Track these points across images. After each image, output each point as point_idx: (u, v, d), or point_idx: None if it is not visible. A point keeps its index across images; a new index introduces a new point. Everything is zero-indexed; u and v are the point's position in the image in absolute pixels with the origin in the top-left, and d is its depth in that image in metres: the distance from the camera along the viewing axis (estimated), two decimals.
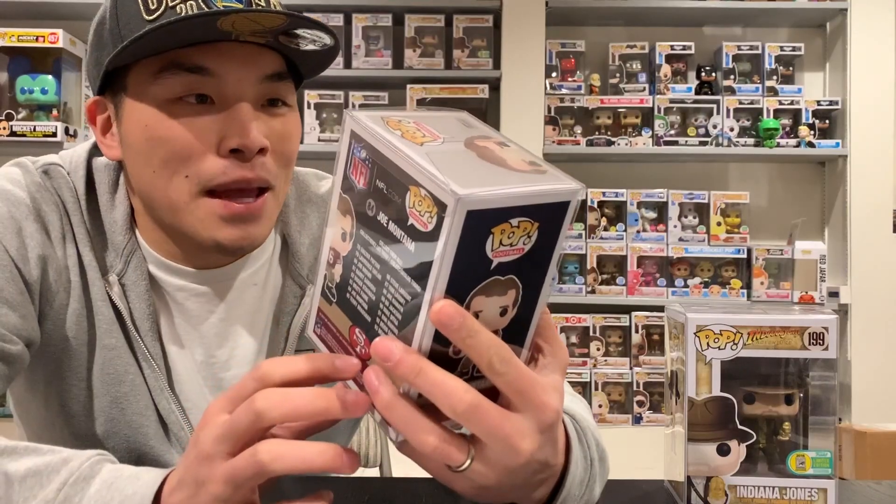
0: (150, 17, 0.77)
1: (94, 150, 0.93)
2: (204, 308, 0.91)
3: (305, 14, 0.80)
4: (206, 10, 0.75)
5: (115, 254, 0.88)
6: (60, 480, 0.60)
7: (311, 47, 0.83)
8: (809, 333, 0.78)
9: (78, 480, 0.60)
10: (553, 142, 3.30)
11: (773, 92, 3.35)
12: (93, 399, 0.89)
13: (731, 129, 3.32)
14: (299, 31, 0.79)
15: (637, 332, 3.29)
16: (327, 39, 0.82)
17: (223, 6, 0.76)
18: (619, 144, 3.30)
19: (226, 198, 0.80)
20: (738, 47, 3.36)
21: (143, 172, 0.82)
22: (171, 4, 0.77)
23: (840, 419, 3.16)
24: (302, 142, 3.44)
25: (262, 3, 0.80)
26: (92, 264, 0.87)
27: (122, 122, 0.83)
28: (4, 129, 3.17)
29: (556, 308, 3.31)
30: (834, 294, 3.30)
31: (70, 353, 0.88)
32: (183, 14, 0.76)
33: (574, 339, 3.34)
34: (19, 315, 0.82)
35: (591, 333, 3.31)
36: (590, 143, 3.30)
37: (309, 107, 3.29)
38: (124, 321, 0.87)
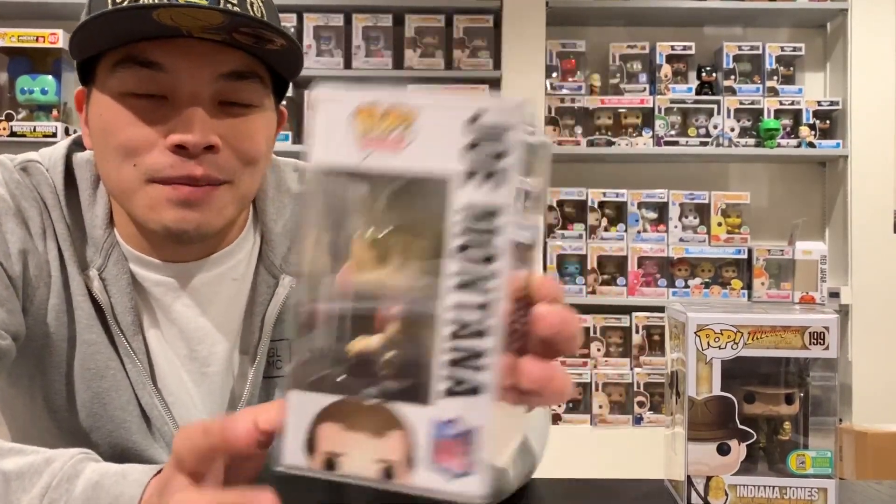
0: (114, 6, 0.76)
1: (74, 147, 0.94)
2: (181, 302, 0.91)
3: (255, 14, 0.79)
4: (152, 4, 0.74)
5: (94, 248, 0.88)
6: (43, 484, 0.60)
7: (271, 47, 0.81)
8: (810, 333, 0.78)
9: (62, 482, 0.60)
10: (553, 142, 3.30)
11: (773, 92, 3.34)
12: (74, 394, 0.89)
13: (732, 130, 3.31)
14: (258, 30, 0.78)
15: (637, 332, 3.29)
16: (281, 41, 0.80)
17: (185, 1, 0.75)
18: (619, 145, 3.30)
19: (173, 184, 0.80)
20: (739, 47, 3.35)
21: (100, 159, 0.84)
22: None
23: (841, 419, 3.16)
24: (302, 141, 3.44)
25: (234, 0, 0.78)
26: (72, 259, 0.88)
27: (89, 112, 0.85)
28: (4, 129, 3.17)
29: None
30: (835, 294, 3.30)
31: (51, 348, 0.88)
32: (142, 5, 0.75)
33: None
34: (6, 310, 0.82)
35: (591, 334, 3.31)
36: (590, 144, 3.30)
37: (309, 107, 3.29)
38: (105, 316, 0.87)
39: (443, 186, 0.39)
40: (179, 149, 0.79)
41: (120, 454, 0.90)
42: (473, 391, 0.38)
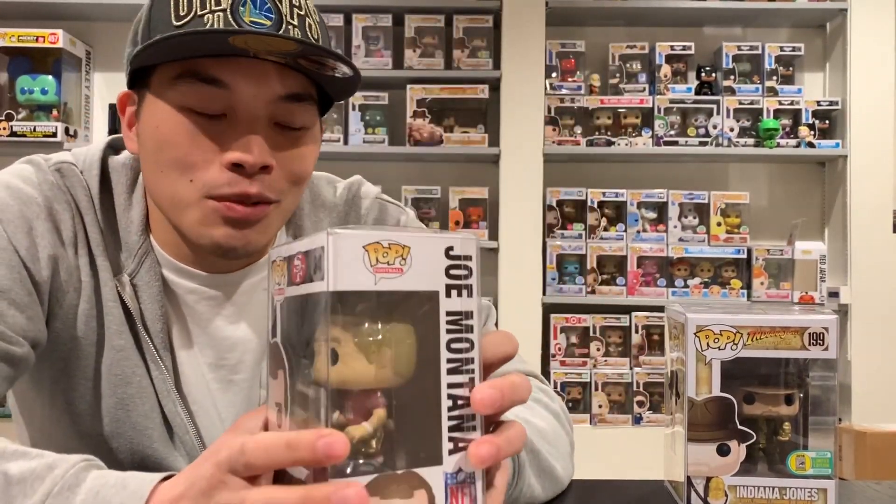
0: (178, 24, 0.77)
1: (109, 149, 0.93)
2: (213, 311, 0.92)
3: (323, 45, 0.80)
4: (225, 27, 0.76)
5: (128, 254, 0.88)
6: (44, 491, 0.59)
7: (331, 73, 0.82)
8: (809, 333, 0.78)
9: (62, 490, 0.59)
10: (553, 142, 3.31)
11: (773, 92, 3.35)
12: (100, 399, 0.89)
13: (731, 130, 3.32)
14: (325, 59, 0.79)
15: (637, 332, 3.29)
16: (345, 69, 0.80)
17: (250, 21, 0.77)
18: (619, 145, 3.30)
19: (228, 201, 0.80)
20: (738, 47, 3.36)
21: (152, 169, 0.83)
22: (199, 13, 0.77)
23: (840, 419, 3.16)
24: None
25: (295, 22, 0.80)
26: (104, 264, 0.87)
27: (140, 118, 0.84)
28: (4, 129, 3.17)
29: (556, 308, 3.31)
30: (834, 294, 3.30)
31: (78, 353, 0.88)
32: (209, 25, 0.76)
33: (574, 340, 3.34)
34: (27, 316, 0.82)
35: (591, 334, 3.31)
36: (590, 144, 3.30)
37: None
38: (134, 322, 0.87)
39: (435, 297, 0.51)
40: (236, 167, 0.79)
41: (140, 461, 0.90)
42: (467, 446, 0.52)
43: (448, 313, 0.52)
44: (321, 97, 0.88)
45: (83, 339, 0.87)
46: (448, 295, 0.52)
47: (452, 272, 0.52)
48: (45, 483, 0.60)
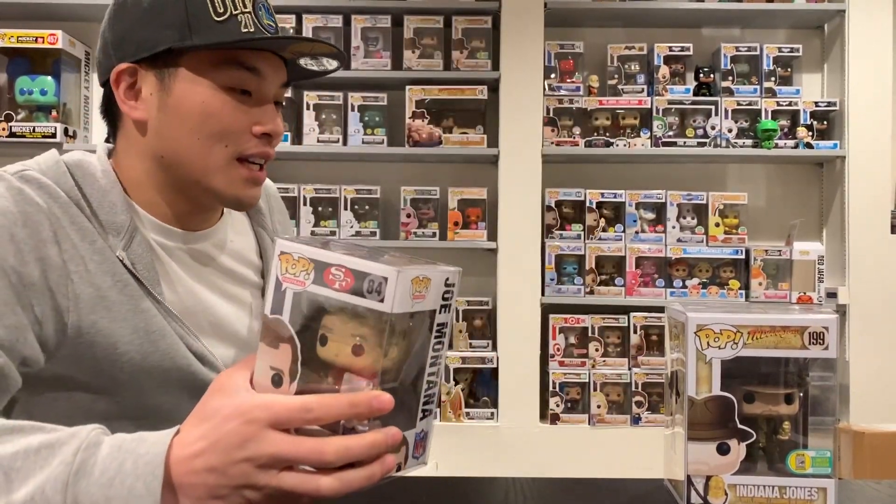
0: (219, 19, 0.96)
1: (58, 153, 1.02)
2: (201, 261, 1.07)
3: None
4: (266, 33, 0.99)
5: (114, 234, 0.97)
6: (74, 447, 0.68)
7: (316, 68, 1.08)
8: (809, 333, 0.78)
9: (89, 446, 0.68)
10: (552, 143, 3.31)
11: (771, 93, 3.35)
12: (146, 357, 0.96)
13: (730, 131, 3.32)
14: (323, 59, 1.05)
15: (636, 332, 3.30)
16: (333, 66, 1.08)
17: (267, 24, 1.00)
18: (617, 145, 3.31)
19: (248, 165, 1.00)
20: (737, 48, 3.36)
21: (184, 137, 0.98)
22: (233, 13, 0.96)
23: (838, 419, 3.17)
24: (301, 142, 3.44)
25: (285, 25, 0.95)
26: (105, 245, 0.95)
27: (170, 92, 0.98)
28: (3, 130, 3.17)
29: (554, 309, 3.31)
30: (832, 295, 3.31)
31: (108, 332, 0.94)
32: (242, 25, 0.97)
33: (573, 340, 3.34)
34: (2, 325, 0.84)
35: (589, 334, 3.31)
36: (588, 144, 3.31)
37: (308, 108, 3.29)
38: (144, 286, 0.97)
39: (434, 314, 0.70)
40: (265, 136, 1.00)
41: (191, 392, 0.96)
42: (428, 415, 0.72)
43: (437, 325, 0.70)
44: None
45: (102, 319, 0.93)
46: (440, 312, 0.70)
47: (446, 296, 0.70)
48: (71, 444, 0.69)
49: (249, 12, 0.98)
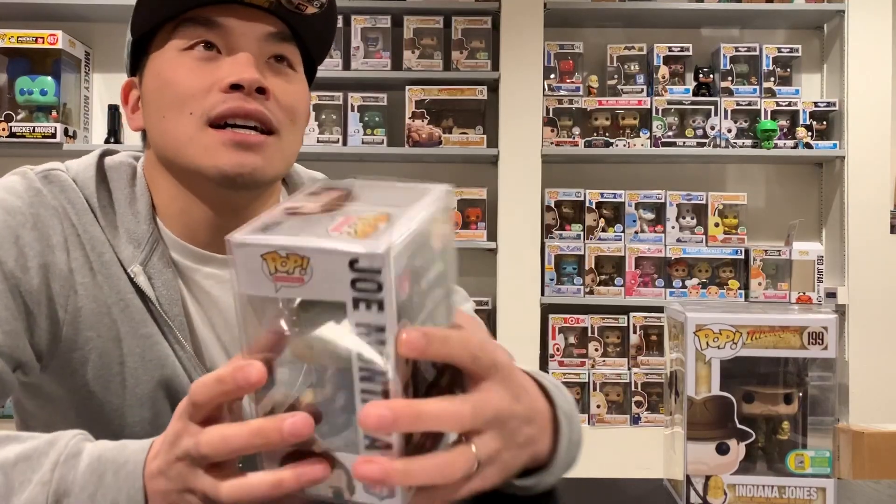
0: None
1: (104, 153, 0.96)
2: (220, 290, 0.94)
3: None
4: None
5: (135, 245, 0.90)
6: (51, 461, 0.63)
7: (311, 10, 0.90)
8: (809, 333, 0.78)
9: (68, 458, 0.64)
10: (551, 143, 3.31)
11: (770, 93, 3.35)
12: (137, 387, 0.89)
13: (729, 131, 3.32)
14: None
15: (635, 332, 3.30)
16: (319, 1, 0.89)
17: None
18: (617, 145, 3.31)
19: (229, 127, 0.85)
20: (736, 49, 3.36)
21: (157, 122, 0.88)
22: None
23: (838, 419, 3.17)
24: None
25: None
26: (113, 260, 0.89)
27: (143, 84, 0.90)
28: (4, 130, 3.17)
29: (554, 308, 3.31)
30: (831, 295, 3.31)
31: (102, 351, 0.88)
32: None
33: (572, 340, 3.34)
34: (2, 331, 0.82)
35: (589, 334, 3.32)
36: (588, 145, 3.31)
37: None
38: (153, 309, 0.89)
39: (342, 308, 0.49)
40: (233, 89, 0.84)
41: None
42: (388, 450, 0.52)
43: (357, 324, 0.50)
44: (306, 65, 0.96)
45: (100, 336, 0.88)
46: (356, 307, 0.49)
47: (358, 286, 0.49)
48: (49, 456, 0.64)
49: None
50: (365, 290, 0.49)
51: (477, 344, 0.55)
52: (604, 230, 3.33)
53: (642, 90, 3.38)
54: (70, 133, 3.26)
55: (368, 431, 0.51)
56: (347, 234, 0.49)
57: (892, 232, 3.30)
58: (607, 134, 3.35)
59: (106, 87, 3.50)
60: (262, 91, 0.85)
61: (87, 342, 0.88)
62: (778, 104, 3.34)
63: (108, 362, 0.89)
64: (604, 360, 3.30)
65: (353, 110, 3.30)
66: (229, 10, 0.87)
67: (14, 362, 0.84)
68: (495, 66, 3.32)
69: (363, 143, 3.29)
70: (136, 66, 0.92)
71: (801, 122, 3.34)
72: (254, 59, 0.86)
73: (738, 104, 3.33)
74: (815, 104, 3.36)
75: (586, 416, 3.24)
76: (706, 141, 3.33)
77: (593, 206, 3.34)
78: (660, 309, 3.26)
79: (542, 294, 3.28)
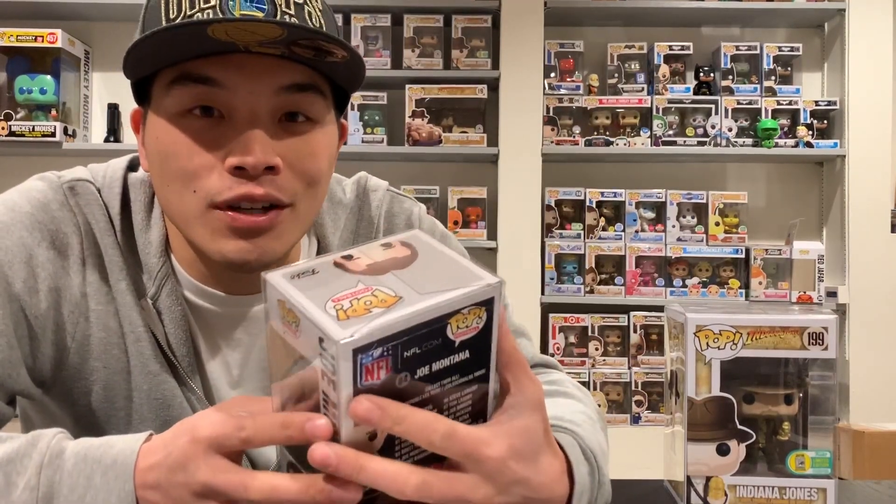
0: (167, 25, 0.72)
1: (131, 165, 0.90)
2: (240, 331, 0.89)
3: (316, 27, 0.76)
4: (200, 18, 0.72)
5: (148, 276, 0.85)
6: (36, 464, 0.62)
7: (331, 59, 0.76)
8: (809, 333, 0.78)
9: (52, 459, 0.62)
10: (552, 142, 3.31)
11: (771, 92, 3.35)
12: (143, 424, 0.86)
13: (730, 130, 3.32)
14: (318, 42, 0.73)
15: (635, 331, 3.30)
16: (341, 52, 0.74)
17: (240, 15, 0.72)
18: (617, 144, 3.31)
19: (234, 211, 0.76)
20: (737, 47, 3.36)
21: (159, 185, 0.79)
22: (188, 13, 0.72)
23: (838, 419, 3.16)
24: None
25: (291, 11, 0.75)
26: (128, 288, 0.84)
27: (145, 134, 0.81)
28: (3, 129, 3.17)
29: (554, 308, 3.31)
30: (832, 294, 3.31)
31: (107, 383, 0.85)
32: (182, 17, 0.73)
33: (572, 339, 3.34)
34: None
35: (589, 333, 3.31)
36: (588, 144, 3.30)
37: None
38: (161, 346, 0.85)
39: (315, 371, 0.53)
40: (239, 170, 0.74)
41: None
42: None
43: (323, 391, 0.53)
44: (335, 92, 0.83)
45: (107, 368, 0.84)
46: (322, 377, 0.53)
47: (323, 359, 0.52)
48: (33, 458, 0.62)
49: (213, 6, 0.72)
50: (326, 366, 0.52)
51: (444, 433, 0.54)
52: (604, 229, 3.33)
53: (643, 89, 3.37)
54: (69, 132, 3.25)
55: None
56: (339, 309, 0.52)
57: (892, 231, 3.30)
58: (608, 133, 3.35)
59: (105, 86, 3.49)
60: (271, 168, 0.75)
61: (92, 372, 0.84)
62: (779, 103, 3.33)
63: (112, 396, 0.85)
64: (604, 360, 3.30)
65: (352, 109, 3.30)
66: (230, 63, 0.74)
67: (7, 394, 0.80)
68: (495, 65, 3.32)
69: (363, 141, 3.29)
70: (143, 96, 0.81)
71: (802, 120, 3.34)
72: (261, 132, 0.75)
73: (738, 103, 3.33)
74: (816, 103, 3.35)
75: None
76: (707, 140, 3.33)
77: (593, 206, 3.34)
78: (660, 308, 3.26)
79: (543, 293, 3.28)
